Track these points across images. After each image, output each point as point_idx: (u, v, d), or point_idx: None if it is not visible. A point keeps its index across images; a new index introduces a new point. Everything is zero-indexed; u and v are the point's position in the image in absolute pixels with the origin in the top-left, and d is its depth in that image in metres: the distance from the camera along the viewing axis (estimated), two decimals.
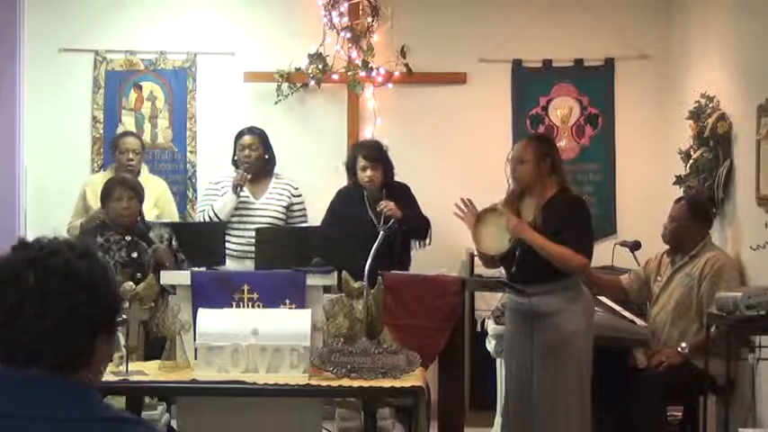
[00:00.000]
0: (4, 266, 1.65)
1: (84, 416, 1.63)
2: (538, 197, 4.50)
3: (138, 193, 5.21)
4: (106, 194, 5.21)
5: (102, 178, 6.17)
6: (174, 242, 5.21)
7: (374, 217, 5.54)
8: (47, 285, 1.63)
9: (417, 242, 5.78)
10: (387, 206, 5.52)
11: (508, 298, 4.71)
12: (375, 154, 5.70)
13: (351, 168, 5.79)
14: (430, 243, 5.75)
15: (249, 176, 5.94)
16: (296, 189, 6.11)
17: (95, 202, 5.99)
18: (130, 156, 6.01)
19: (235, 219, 5.93)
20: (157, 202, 6.12)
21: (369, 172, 5.66)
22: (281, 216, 6.00)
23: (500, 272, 4.82)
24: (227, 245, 5.87)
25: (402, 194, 5.72)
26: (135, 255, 5.05)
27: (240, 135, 6.07)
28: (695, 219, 5.18)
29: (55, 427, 1.60)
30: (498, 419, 5.54)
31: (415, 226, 5.65)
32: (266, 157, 6.06)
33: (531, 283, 4.50)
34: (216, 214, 5.90)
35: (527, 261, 4.46)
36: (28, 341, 1.62)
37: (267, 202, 6.01)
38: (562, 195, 4.54)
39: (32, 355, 1.63)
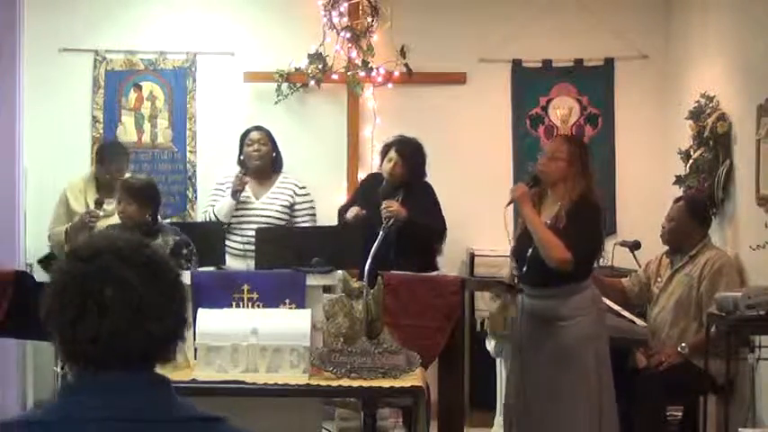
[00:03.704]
0: (102, 271, 1.59)
1: (183, 415, 1.61)
2: (561, 198, 4.47)
3: (136, 195, 5.17)
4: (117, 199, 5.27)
5: (81, 181, 6.10)
6: (186, 250, 5.13)
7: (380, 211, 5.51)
8: (155, 282, 1.60)
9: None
10: (388, 207, 5.47)
11: (520, 298, 4.68)
12: (407, 151, 5.66)
13: (382, 156, 5.77)
14: (440, 250, 5.71)
15: (248, 180, 5.94)
16: (301, 188, 6.09)
17: (78, 207, 5.94)
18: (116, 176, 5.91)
19: (235, 219, 5.95)
20: None
21: (391, 164, 5.64)
22: (281, 216, 5.99)
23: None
24: (229, 244, 5.88)
25: (419, 194, 5.63)
26: None
27: (247, 132, 6.09)
28: (694, 219, 5.18)
29: (169, 428, 1.59)
30: (498, 419, 5.54)
31: (424, 228, 5.53)
32: (274, 155, 6.07)
33: (539, 286, 4.48)
34: (216, 216, 5.93)
35: (538, 262, 4.42)
36: (147, 340, 1.59)
37: (267, 202, 6.01)
38: (584, 200, 4.47)
39: (147, 353, 1.60)
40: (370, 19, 6.55)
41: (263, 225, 5.79)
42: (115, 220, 5.35)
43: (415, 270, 5.03)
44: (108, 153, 6.07)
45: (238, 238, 5.90)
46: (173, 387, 1.64)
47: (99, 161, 6.09)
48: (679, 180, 5.79)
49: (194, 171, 6.69)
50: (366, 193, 5.77)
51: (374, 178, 5.87)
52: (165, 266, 1.65)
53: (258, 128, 6.10)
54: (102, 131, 6.61)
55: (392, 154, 5.67)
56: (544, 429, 4.48)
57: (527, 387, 4.50)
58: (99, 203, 5.77)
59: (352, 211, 5.57)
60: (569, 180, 4.47)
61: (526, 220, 4.43)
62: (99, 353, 1.58)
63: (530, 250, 4.45)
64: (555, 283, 4.44)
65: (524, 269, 4.50)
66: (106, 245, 1.63)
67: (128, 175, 5.98)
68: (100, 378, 1.58)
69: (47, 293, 1.62)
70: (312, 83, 6.56)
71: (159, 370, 1.66)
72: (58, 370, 5.56)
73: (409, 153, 5.67)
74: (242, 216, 5.95)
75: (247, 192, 5.98)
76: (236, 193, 5.89)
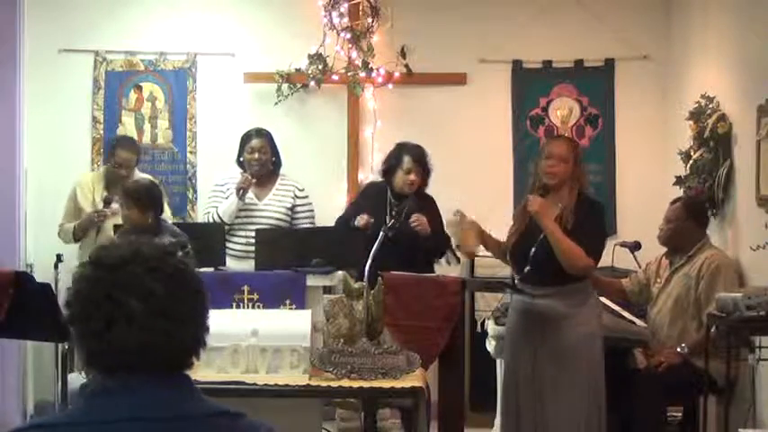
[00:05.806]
0: (128, 281, 1.62)
1: (207, 411, 1.66)
2: (562, 198, 4.49)
3: (137, 200, 5.20)
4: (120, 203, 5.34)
5: (91, 178, 6.15)
6: (182, 251, 5.15)
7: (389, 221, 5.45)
8: (180, 291, 1.66)
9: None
10: (418, 221, 5.42)
11: (513, 298, 4.70)
12: (423, 159, 5.62)
13: (392, 167, 5.65)
14: (448, 262, 5.74)
15: (254, 181, 5.92)
16: (301, 190, 6.09)
17: (86, 203, 5.97)
18: (123, 172, 5.93)
19: (238, 219, 5.93)
20: None
21: (413, 176, 5.56)
22: (283, 217, 6.00)
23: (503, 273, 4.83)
24: (230, 245, 5.87)
25: (430, 208, 5.61)
26: None
27: (248, 137, 6.04)
28: (691, 220, 5.17)
29: (194, 425, 1.63)
30: (498, 420, 5.54)
31: (433, 246, 5.57)
32: (273, 159, 6.06)
33: (542, 285, 4.48)
34: (220, 217, 5.90)
35: (542, 261, 4.43)
36: (172, 348, 1.64)
37: (270, 204, 6.01)
38: (585, 198, 4.56)
39: (172, 360, 1.64)
40: (370, 19, 6.55)
41: (267, 226, 5.80)
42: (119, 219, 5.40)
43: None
44: (117, 144, 6.13)
45: (240, 240, 5.89)
46: (196, 387, 1.69)
47: (109, 153, 6.14)
48: (679, 181, 5.79)
49: (194, 172, 6.69)
50: (370, 202, 5.68)
51: (376, 187, 5.80)
52: (189, 275, 1.70)
53: (259, 133, 6.04)
54: (102, 132, 6.61)
55: (409, 164, 5.57)
56: (547, 427, 4.48)
57: (530, 385, 4.51)
58: (107, 202, 5.81)
59: (362, 219, 5.51)
60: (572, 180, 4.52)
61: (547, 232, 4.40)
62: (126, 361, 1.61)
63: (532, 250, 4.46)
64: (560, 281, 4.45)
65: (527, 269, 4.50)
66: (131, 254, 1.65)
67: (137, 172, 6.01)
68: (129, 382, 1.61)
69: (71, 300, 1.64)
70: (312, 83, 6.56)
71: None
72: (59, 371, 5.56)
73: (424, 160, 5.62)
74: (245, 217, 5.95)
75: (249, 193, 5.97)
76: (239, 191, 5.87)
